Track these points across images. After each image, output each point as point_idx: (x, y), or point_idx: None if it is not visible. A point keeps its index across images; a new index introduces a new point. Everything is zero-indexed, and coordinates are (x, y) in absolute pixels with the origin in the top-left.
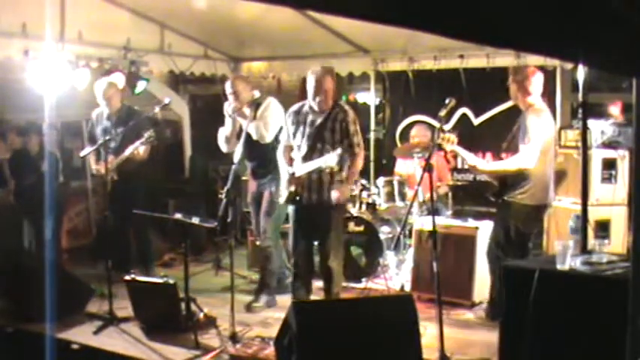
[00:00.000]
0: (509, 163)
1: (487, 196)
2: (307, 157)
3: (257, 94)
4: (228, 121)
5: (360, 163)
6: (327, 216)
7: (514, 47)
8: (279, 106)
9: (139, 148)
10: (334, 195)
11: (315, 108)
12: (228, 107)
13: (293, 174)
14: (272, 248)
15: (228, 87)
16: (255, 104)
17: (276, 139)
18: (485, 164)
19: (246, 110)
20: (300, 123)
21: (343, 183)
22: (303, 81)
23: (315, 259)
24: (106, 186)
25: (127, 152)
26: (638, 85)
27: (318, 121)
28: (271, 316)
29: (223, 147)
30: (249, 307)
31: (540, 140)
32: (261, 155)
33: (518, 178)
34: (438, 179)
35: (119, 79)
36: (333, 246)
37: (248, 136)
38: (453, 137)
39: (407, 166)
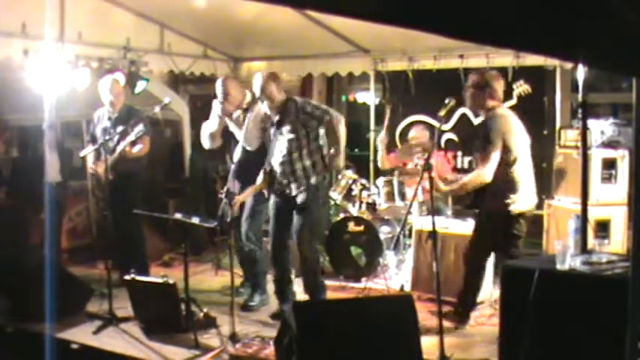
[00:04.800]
0: (472, 179)
1: (472, 205)
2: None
3: (249, 95)
4: (214, 117)
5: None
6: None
7: (514, 47)
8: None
9: (131, 146)
10: None
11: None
12: (216, 106)
13: None
14: (257, 251)
15: (218, 86)
16: (248, 105)
17: (264, 147)
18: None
19: (236, 113)
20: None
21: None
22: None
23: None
24: (101, 185)
25: (117, 151)
26: (638, 85)
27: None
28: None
29: (206, 143)
30: (244, 307)
31: (499, 147)
32: (251, 160)
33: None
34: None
35: (120, 78)
36: None
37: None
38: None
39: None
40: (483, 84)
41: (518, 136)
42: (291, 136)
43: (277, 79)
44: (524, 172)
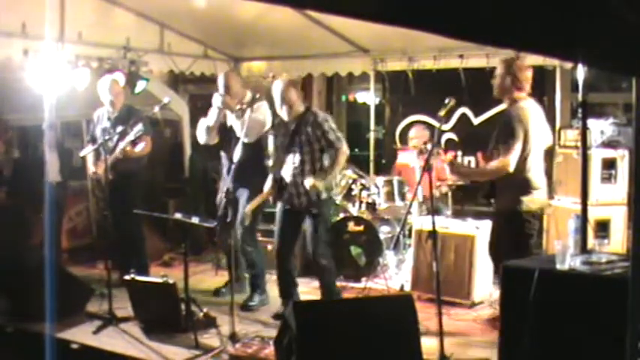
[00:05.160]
0: (497, 166)
1: (481, 198)
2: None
3: (250, 94)
4: (212, 112)
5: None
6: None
7: (514, 47)
8: (268, 111)
9: (132, 146)
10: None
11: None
12: (216, 98)
13: None
14: (254, 252)
15: (220, 79)
16: (248, 104)
17: (260, 145)
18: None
19: (236, 107)
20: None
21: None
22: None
23: None
24: (101, 185)
25: (118, 150)
26: (638, 85)
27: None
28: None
29: (202, 138)
30: (244, 307)
31: (521, 138)
32: (248, 158)
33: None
34: (438, 179)
35: (120, 78)
36: None
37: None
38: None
39: (410, 157)
40: (508, 72)
41: (536, 131)
42: (306, 146)
43: (296, 86)
44: (536, 168)
